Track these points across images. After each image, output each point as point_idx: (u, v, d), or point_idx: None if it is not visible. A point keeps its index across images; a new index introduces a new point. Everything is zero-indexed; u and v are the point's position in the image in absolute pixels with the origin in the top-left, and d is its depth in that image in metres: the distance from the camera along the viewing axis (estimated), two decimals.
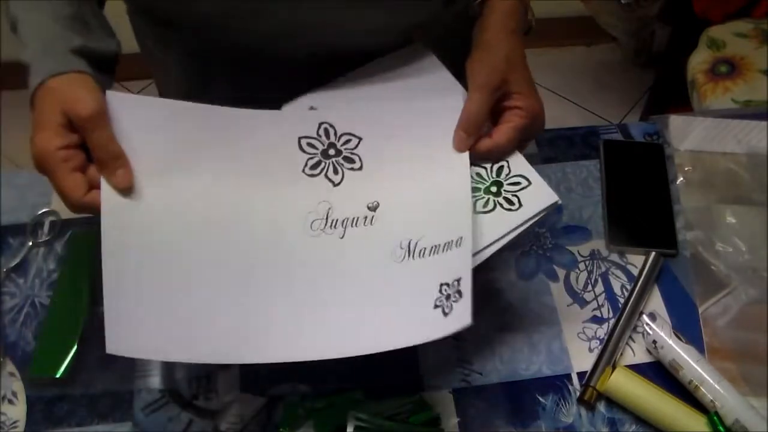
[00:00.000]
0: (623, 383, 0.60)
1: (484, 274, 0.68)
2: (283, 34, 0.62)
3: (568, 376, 0.63)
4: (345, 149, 0.56)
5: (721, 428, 0.57)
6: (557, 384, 0.62)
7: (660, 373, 0.62)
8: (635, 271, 0.68)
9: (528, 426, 0.60)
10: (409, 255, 0.52)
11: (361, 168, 0.55)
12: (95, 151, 0.51)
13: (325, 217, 0.54)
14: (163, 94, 0.85)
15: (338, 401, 0.60)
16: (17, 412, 0.60)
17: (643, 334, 0.64)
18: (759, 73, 1.36)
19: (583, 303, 0.67)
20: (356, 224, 0.54)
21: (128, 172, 0.52)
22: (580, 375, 0.63)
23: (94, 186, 0.51)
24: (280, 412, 0.60)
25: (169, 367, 0.63)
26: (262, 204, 0.54)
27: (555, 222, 0.72)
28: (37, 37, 0.54)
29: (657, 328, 0.62)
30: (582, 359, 0.64)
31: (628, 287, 0.68)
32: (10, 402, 0.61)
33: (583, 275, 0.69)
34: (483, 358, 0.64)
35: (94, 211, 0.52)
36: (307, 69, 0.66)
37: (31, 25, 0.55)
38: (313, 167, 0.56)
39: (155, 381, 0.62)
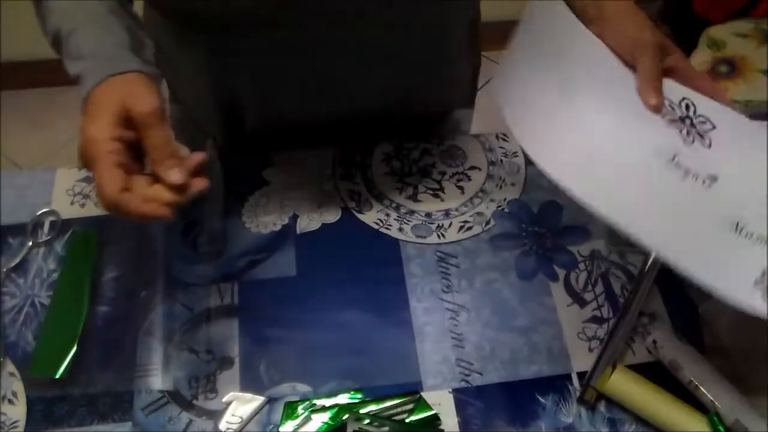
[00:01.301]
0: (623, 383, 0.60)
1: (485, 274, 0.68)
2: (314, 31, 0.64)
3: (568, 376, 0.63)
4: (699, 127, 0.56)
5: (721, 428, 0.57)
6: (557, 384, 0.62)
7: (660, 373, 0.62)
8: (635, 271, 0.68)
9: (528, 426, 0.60)
10: (736, 231, 0.52)
11: (709, 146, 0.55)
12: (152, 149, 0.51)
13: (671, 157, 0.55)
14: (174, 93, 0.85)
15: (338, 401, 0.60)
16: (17, 412, 0.60)
17: (643, 334, 0.64)
18: (759, 73, 1.36)
19: (583, 303, 0.67)
20: (696, 179, 0.54)
21: (182, 172, 0.51)
22: (580, 375, 0.63)
23: (129, 189, 0.50)
24: (280, 412, 0.60)
25: (169, 368, 0.63)
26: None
27: (555, 222, 0.72)
28: (92, 45, 0.54)
29: (657, 328, 0.62)
30: (582, 359, 0.64)
31: (628, 287, 0.68)
32: (10, 402, 0.61)
33: (583, 275, 0.69)
34: (483, 358, 0.64)
35: (122, 211, 0.50)
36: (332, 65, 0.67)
37: (82, 35, 0.54)
38: (669, 123, 0.56)
39: (155, 381, 0.62)
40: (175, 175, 0.51)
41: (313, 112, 0.75)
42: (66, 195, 0.73)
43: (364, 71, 0.71)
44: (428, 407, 0.60)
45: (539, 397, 0.62)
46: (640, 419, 0.60)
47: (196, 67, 0.72)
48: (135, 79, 0.52)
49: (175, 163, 0.51)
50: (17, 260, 0.68)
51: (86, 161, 0.50)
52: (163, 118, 0.51)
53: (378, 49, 0.69)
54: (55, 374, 0.61)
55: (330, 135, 0.76)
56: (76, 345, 0.62)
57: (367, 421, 0.58)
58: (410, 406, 0.60)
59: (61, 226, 0.71)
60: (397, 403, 0.60)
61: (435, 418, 0.59)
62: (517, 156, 0.77)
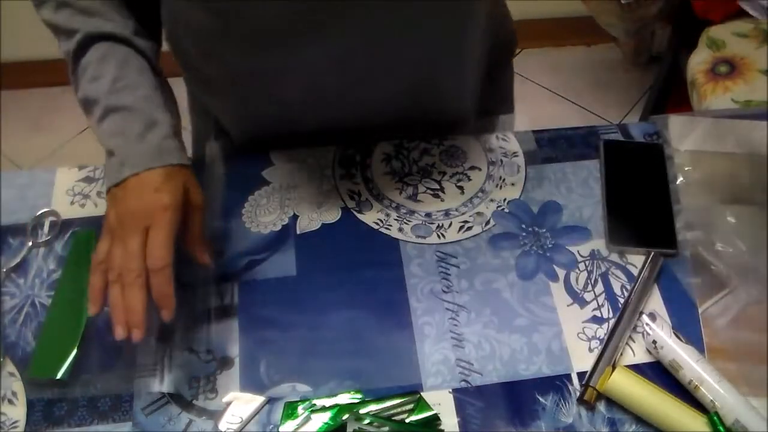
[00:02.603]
0: (623, 383, 0.60)
1: (485, 274, 0.68)
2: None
3: (568, 376, 0.63)
4: None
5: (721, 428, 0.57)
6: (557, 384, 0.62)
7: (660, 373, 0.62)
8: (635, 271, 0.68)
9: (528, 426, 0.60)
10: None
11: None
12: (195, 228, 0.62)
13: None
14: (196, 101, 0.85)
15: (338, 401, 0.60)
16: (17, 412, 0.60)
17: (643, 334, 0.64)
18: (759, 73, 1.36)
19: (583, 303, 0.67)
20: None
21: (211, 257, 0.64)
22: (580, 375, 0.63)
23: None
24: (280, 412, 0.60)
25: (169, 368, 0.63)
26: None
27: (555, 222, 0.72)
28: (138, 128, 0.60)
29: (657, 328, 0.62)
30: (582, 359, 0.64)
31: (628, 287, 0.68)
32: (10, 402, 0.61)
33: (583, 275, 0.69)
34: (483, 358, 0.64)
35: (160, 279, 0.56)
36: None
37: (129, 117, 0.60)
38: None
39: (155, 381, 0.62)
40: (207, 258, 0.63)
41: (342, 113, 0.75)
42: (66, 195, 0.73)
43: (393, 71, 0.70)
44: (428, 407, 0.60)
45: (539, 397, 0.62)
46: (640, 419, 0.60)
47: (228, 75, 0.71)
48: (188, 172, 0.61)
49: (206, 247, 0.63)
50: (17, 260, 0.68)
51: (136, 221, 0.57)
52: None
53: (402, 45, 0.67)
54: (56, 375, 0.61)
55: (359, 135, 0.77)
56: (77, 347, 0.62)
57: (367, 421, 0.58)
58: (410, 406, 0.60)
59: (61, 226, 0.71)
60: (397, 403, 0.60)
61: (435, 418, 0.59)
62: (517, 156, 0.77)
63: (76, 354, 0.62)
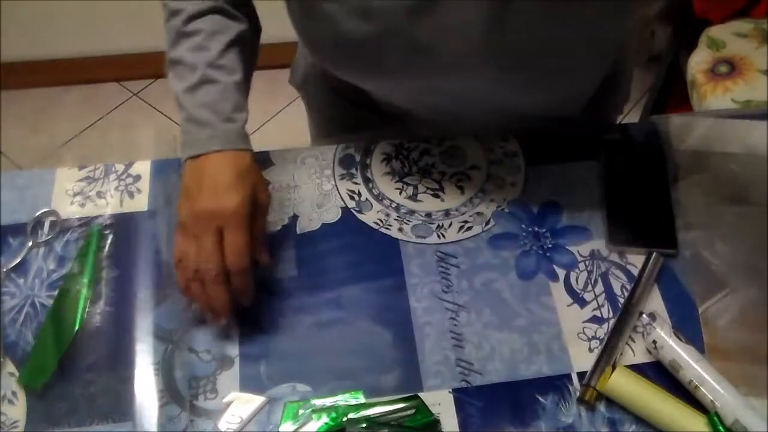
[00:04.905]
0: (623, 383, 0.60)
1: (485, 274, 0.68)
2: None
3: (568, 376, 0.63)
4: None
5: (721, 428, 0.57)
6: (557, 384, 0.62)
7: (660, 373, 0.62)
8: (635, 271, 0.68)
9: (528, 426, 0.60)
10: None
11: None
12: (259, 228, 0.62)
13: None
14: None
15: (338, 402, 0.60)
16: (17, 412, 0.60)
17: (643, 334, 0.64)
18: (759, 73, 1.36)
19: (583, 303, 0.67)
20: None
21: (269, 258, 0.64)
22: (580, 375, 0.63)
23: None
24: (280, 412, 0.60)
25: (169, 368, 0.63)
26: None
27: (555, 222, 0.72)
28: (227, 108, 0.62)
29: (657, 328, 0.62)
30: (582, 359, 0.64)
31: (628, 287, 0.68)
32: (10, 402, 0.61)
33: (583, 275, 0.69)
34: (483, 358, 0.64)
35: (240, 277, 0.60)
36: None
37: (221, 93, 0.62)
38: None
39: (155, 381, 0.62)
40: (266, 258, 0.63)
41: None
42: (66, 195, 0.73)
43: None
44: (429, 412, 0.59)
45: (539, 397, 0.62)
46: (640, 419, 0.60)
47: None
48: (258, 170, 0.63)
49: (266, 247, 0.63)
50: (17, 260, 0.68)
51: (210, 220, 0.58)
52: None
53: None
54: (36, 387, 0.60)
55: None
56: (56, 363, 0.61)
57: (364, 425, 0.58)
58: (411, 411, 0.60)
59: (61, 226, 0.71)
60: (397, 408, 0.60)
61: (434, 423, 0.59)
62: (516, 156, 0.77)
63: (55, 369, 0.61)
